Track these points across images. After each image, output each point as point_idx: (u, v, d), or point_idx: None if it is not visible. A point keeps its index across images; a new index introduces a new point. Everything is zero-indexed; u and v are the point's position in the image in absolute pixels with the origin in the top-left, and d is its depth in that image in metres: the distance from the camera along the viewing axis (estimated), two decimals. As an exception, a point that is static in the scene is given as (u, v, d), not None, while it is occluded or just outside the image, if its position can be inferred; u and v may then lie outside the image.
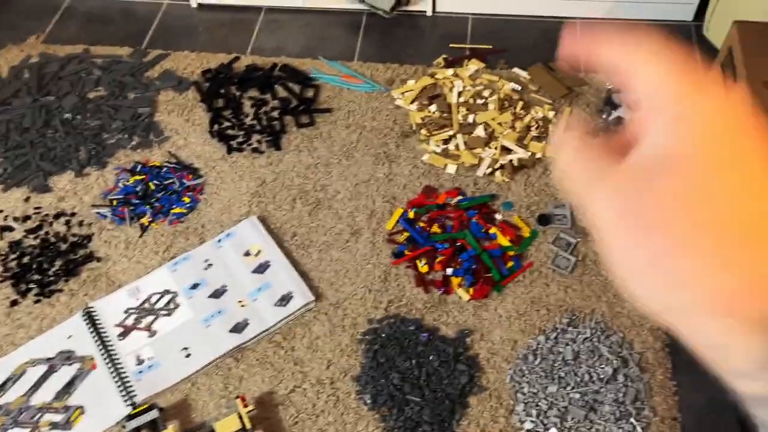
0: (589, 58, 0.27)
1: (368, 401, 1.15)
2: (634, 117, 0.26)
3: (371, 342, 1.21)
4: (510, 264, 1.29)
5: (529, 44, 1.72)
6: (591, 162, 0.27)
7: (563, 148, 0.28)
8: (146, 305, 1.28)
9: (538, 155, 1.46)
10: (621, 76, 0.26)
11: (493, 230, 1.33)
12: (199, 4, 1.85)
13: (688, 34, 1.73)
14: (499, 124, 1.51)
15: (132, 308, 1.28)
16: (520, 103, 1.54)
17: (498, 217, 1.36)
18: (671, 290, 0.24)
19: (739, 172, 0.24)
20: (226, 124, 1.57)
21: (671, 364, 1.16)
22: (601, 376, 1.14)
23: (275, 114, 1.58)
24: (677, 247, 0.23)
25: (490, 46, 1.72)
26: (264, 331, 1.23)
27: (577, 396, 1.12)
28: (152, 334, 1.25)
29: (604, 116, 1.50)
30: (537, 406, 1.12)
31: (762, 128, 0.24)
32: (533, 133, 1.48)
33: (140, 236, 1.39)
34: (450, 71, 1.63)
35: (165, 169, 1.49)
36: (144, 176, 1.47)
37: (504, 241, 1.31)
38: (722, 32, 1.62)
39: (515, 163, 1.44)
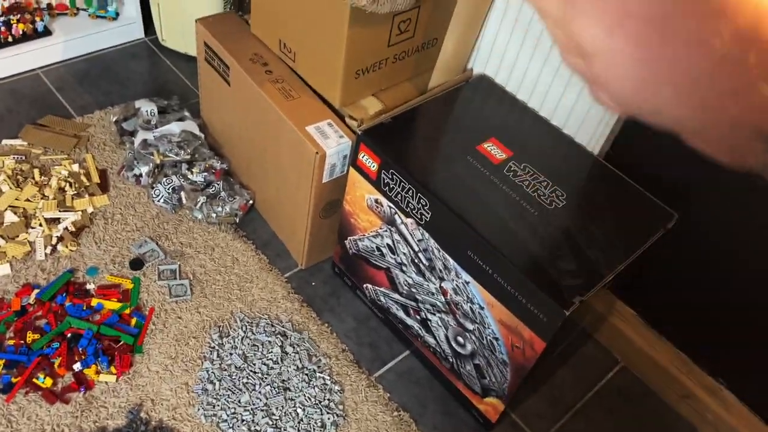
0: None
1: None
2: None
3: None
4: (134, 321, 1.20)
5: (11, 111, 1.54)
6: None
7: None
8: None
9: (90, 210, 1.36)
10: None
11: (95, 301, 1.20)
12: None
13: (150, 49, 1.81)
14: (28, 200, 1.34)
15: None
16: (36, 171, 1.39)
17: (90, 286, 1.24)
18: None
19: None
20: None
21: (315, 313, 1.29)
22: (274, 359, 1.20)
23: None
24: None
25: (-40, 129, 1.48)
26: None
27: (268, 388, 1.16)
28: None
29: (128, 146, 1.48)
30: (243, 421, 1.11)
31: None
32: (70, 192, 1.37)
33: None
34: (-71, 173, 1.35)
35: None
36: None
37: (113, 304, 1.21)
38: (177, 37, 1.75)
39: (72, 228, 1.31)
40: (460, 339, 1.12)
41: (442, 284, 1.09)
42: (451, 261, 1.04)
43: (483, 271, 1.00)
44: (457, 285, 1.06)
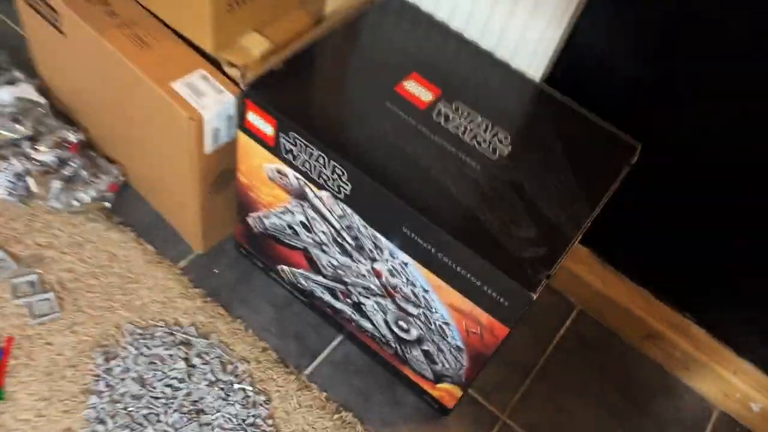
0: None
1: None
2: None
3: None
4: (-13, 360, 0.94)
5: None
6: None
7: None
8: None
9: None
10: None
11: (-72, 343, 0.93)
12: None
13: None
14: None
15: None
16: None
17: None
18: None
19: None
20: None
21: (223, 308, 1.07)
22: (179, 377, 0.97)
23: None
24: None
25: None
26: None
27: (177, 415, 0.94)
28: None
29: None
30: (150, 463, 0.90)
31: None
32: None
33: None
34: None
35: None
36: None
37: (-45, 342, 0.94)
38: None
39: None
40: (402, 324, 0.94)
41: (374, 265, 0.89)
42: (383, 239, 0.84)
43: (423, 250, 0.80)
44: (392, 266, 0.86)
